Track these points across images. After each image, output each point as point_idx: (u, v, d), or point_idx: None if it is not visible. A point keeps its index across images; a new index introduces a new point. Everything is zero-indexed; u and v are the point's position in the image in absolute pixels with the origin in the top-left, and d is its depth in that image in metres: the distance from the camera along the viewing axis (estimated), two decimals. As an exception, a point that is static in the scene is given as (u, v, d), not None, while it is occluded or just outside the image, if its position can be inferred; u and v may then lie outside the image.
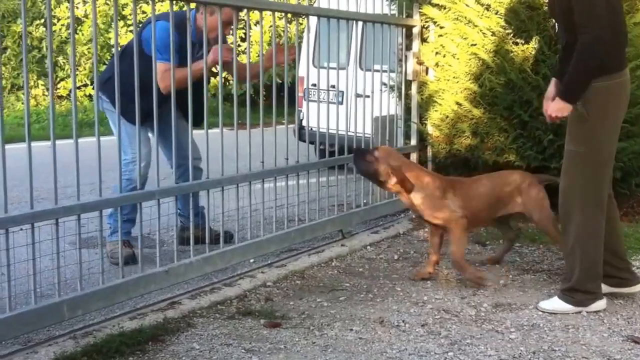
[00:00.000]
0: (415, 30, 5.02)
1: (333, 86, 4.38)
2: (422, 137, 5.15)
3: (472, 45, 4.78)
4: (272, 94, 3.83)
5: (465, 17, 4.79)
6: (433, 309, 3.31)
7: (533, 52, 4.64)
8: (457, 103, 4.85)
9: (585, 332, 3.03)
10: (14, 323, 2.62)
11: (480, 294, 3.54)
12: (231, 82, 13.02)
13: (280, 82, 4.18)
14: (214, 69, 4.09)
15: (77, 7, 14.07)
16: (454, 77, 4.87)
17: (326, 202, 4.48)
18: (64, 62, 14.27)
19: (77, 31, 13.92)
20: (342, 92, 4.66)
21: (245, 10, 3.74)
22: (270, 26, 4.16)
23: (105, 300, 2.98)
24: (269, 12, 4.00)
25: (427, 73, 5.08)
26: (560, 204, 3.25)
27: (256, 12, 3.85)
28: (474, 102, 4.80)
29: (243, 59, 11.60)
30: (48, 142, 2.80)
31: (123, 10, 13.49)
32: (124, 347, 2.76)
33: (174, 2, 3.34)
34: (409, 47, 5.04)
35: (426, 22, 5.01)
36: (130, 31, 11.73)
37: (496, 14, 4.72)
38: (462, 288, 3.62)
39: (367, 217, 4.75)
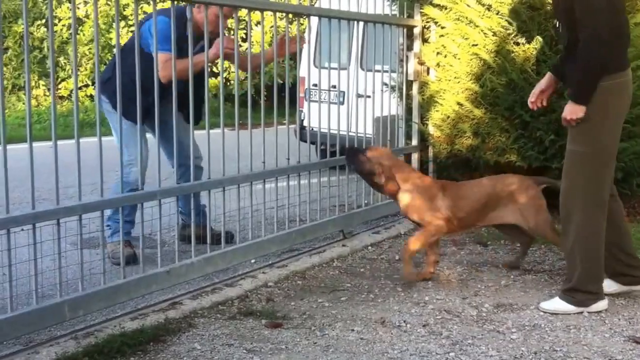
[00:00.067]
0: (417, 31, 5.02)
1: (334, 86, 4.38)
2: (423, 138, 5.15)
3: (473, 45, 4.79)
4: (273, 95, 3.83)
5: (467, 18, 4.79)
6: (434, 309, 3.31)
7: (534, 53, 4.64)
8: (458, 103, 4.85)
9: (587, 333, 3.03)
10: (16, 323, 2.62)
11: (482, 294, 3.53)
12: (232, 82, 13.01)
13: (282, 82, 4.18)
14: (215, 69, 4.08)
15: (78, 8, 14.08)
16: (455, 78, 4.87)
17: (327, 202, 4.48)
18: (65, 63, 14.28)
19: (78, 31, 13.92)
20: (343, 92, 4.66)
21: (246, 11, 3.75)
22: (272, 26, 4.16)
23: (107, 300, 2.98)
24: (270, 13, 3.99)
25: (428, 73, 5.08)
26: (561, 204, 3.25)
27: (257, 12, 3.85)
28: (475, 103, 4.80)
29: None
30: (49, 143, 2.80)
31: (124, 10, 13.50)
32: (126, 348, 2.76)
33: (175, 1, 3.34)
34: (410, 48, 5.04)
35: (427, 22, 5.01)
36: (132, 31, 11.73)
37: (497, 14, 4.72)
38: (464, 288, 3.62)
39: (368, 217, 4.75)
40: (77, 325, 3.03)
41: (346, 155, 3.81)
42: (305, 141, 4.63)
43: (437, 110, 4.96)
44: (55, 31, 13.79)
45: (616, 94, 3.09)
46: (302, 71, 6.78)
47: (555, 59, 4.61)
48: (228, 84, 13.25)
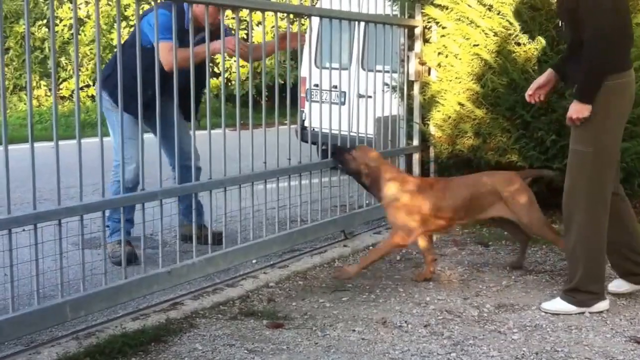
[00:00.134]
0: (418, 31, 5.02)
1: (335, 87, 4.38)
2: (425, 138, 5.15)
3: (474, 45, 4.78)
4: (274, 95, 3.83)
5: (468, 18, 4.79)
6: (435, 309, 3.31)
7: (535, 53, 4.64)
8: (460, 103, 4.85)
9: (588, 333, 3.03)
10: (17, 324, 2.62)
11: (483, 294, 3.53)
12: (234, 82, 13.01)
13: (283, 82, 4.18)
14: (216, 70, 4.09)
15: (79, 8, 14.09)
16: (456, 78, 4.87)
17: (328, 202, 4.48)
18: (66, 63, 14.29)
19: (80, 32, 13.93)
20: (345, 92, 4.66)
21: (247, 11, 3.75)
22: (273, 27, 4.15)
23: (108, 301, 2.98)
24: (270, 13, 3.99)
25: (429, 73, 5.08)
26: (563, 203, 3.25)
27: (258, 12, 3.85)
28: (476, 103, 4.79)
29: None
30: (50, 143, 2.81)
31: (125, 10, 13.50)
32: (127, 348, 2.76)
33: (175, 1, 3.34)
34: (411, 48, 5.04)
35: (428, 22, 5.01)
36: (132, 32, 11.74)
37: (498, 14, 4.71)
38: (465, 289, 3.61)
39: (370, 217, 4.74)
40: (79, 325, 3.03)
41: (334, 154, 3.80)
42: (307, 141, 4.62)
43: (438, 111, 4.96)
44: (57, 31, 13.80)
45: (619, 94, 3.09)
46: (304, 71, 6.78)
47: (557, 59, 4.61)
48: (229, 84, 13.25)
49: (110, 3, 13.90)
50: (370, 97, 4.69)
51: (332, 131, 4.35)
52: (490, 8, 4.73)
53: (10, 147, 2.65)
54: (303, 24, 4.07)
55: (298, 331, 3.03)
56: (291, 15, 4.10)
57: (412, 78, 5.04)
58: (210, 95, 3.61)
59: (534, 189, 4.86)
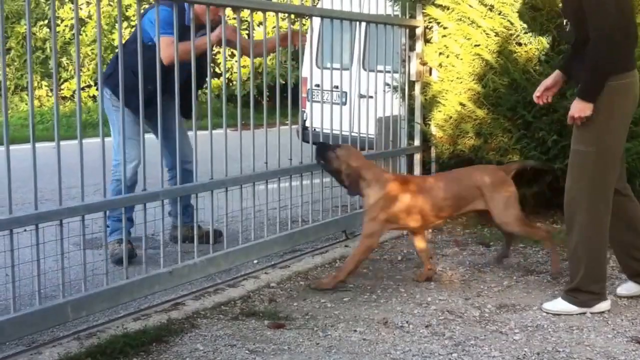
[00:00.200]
0: (419, 31, 5.02)
1: (336, 87, 4.38)
2: (426, 138, 5.15)
3: (475, 45, 4.78)
4: (275, 95, 3.83)
5: (469, 18, 4.79)
6: (437, 309, 3.31)
7: (536, 53, 4.64)
8: (461, 104, 4.85)
9: (590, 333, 3.02)
10: (19, 324, 2.62)
11: (485, 294, 3.53)
12: (235, 83, 13.02)
13: (284, 82, 4.18)
14: (217, 70, 4.08)
15: (80, 8, 14.10)
16: (457, 78, 4.87)
17: (329, 203, 4.48)
18: (67, 63, 14.30)
19: (81, 32, 13.94)
20: (346, 92, 4.66)
21: (248, 11, 3.75)
22: (274, 27, 4.15)
23: (109, 301, 2.99)
24: (272, 13, 4.00)
25: (430, 74, 5.08)
26: (565, 203, 3.24)
27: (259, 12, 3.85)
28: (477, 103, 4.79)
29: (246, 59, 11.56)
30: (51, 143, 2.81)
31: (126, 11, 13.51)
32: (128, 348, 2.76)
33: (176, 1, 3.35)
34: (412, 48, 5.04)
35: (429, 22, 5.01)
36: (134, 31, 11.75)
37: (499, 14, 4.71)
38: (466, 289, 3.61)
39: (371, 217, 4.74)
40: (80, 325, 3.03)
41: (316, 150, 3.79)
42: (308, 142, 4.62)
43: (439, 111, 4.96)
44: (58, 32, 13.81)
45: (622, 94, 3.09)
46: (305, 72, 6.78)
47: (559, 59, 4.61)
48: (231, 84, 13.25)
49: (111, 3, 13.90)
50: (371, 97, 4.69)
51: (333, 131, 4.35)
52: (491, 8, 4.73)
53: (12, 147, 2.65)
54: (304, 24, 4.07)
55: (299, 331, 3.03)
56: (292, 16, 4.11)
57: (413, 78, 5.04)
58: (211, 95, 3.61)
59: (534, 188, 4.89)
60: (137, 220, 3.68)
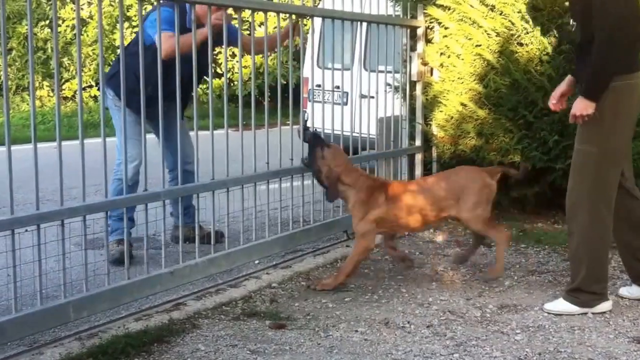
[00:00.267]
0: (420, 31, 5.02)
1: (338, 87, 4.38)
2: (427, 138, 5.15)
3: (476, 45, 4.78)
4: (277, 95, 3.83)
5: (470, 18, 4.79)
6: (438, 310, 3.31)
7: (538, 53, 4.63)
8: (462, 104, 4.85)
9: (591, 334, 3.02)
10: (20, 324, 2.63)
11: (486, 295, 3.53)
12: (236, 83, 13.02)
13: (285, 83, 4.18)
14: (219, 70, 4.08)
15: (81, 9, 14.11)
16: (458, 78, 4.87)
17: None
18: (68, 64, 14.30)
19: (82, 32, 13.95)
20: (347, 93, 4.66)
21: (249, 12, 3.75)
22: (275, 27, 4.15)
23: (111, 301, 2.99)
24: (273, 14, 3.99)
25: (431, 74, 5.07)
26: (567, 203, 3.23)
27: (260, 13, 3.85)
28: (478, 103, 4.79)
29: (247, 59, 11.55)
30: (52, 143, 2.81)
31: (128, 11, 13.51)
32: (130, 348, 2.76)
33: (178, 2, 3.35)
34: (413, 48, 5.04)
35: (431, 22, 5.01)
36: (135, 32, 11.76)
37: (500, 14, 4.71)
38: (467, 289, 3.61)
39: (372, 218, 4.73)
40: (81, 326, 3.03)
41: (308, 139, 3.75)
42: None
43: (440, 111, 4.96)
44: (59, 32, 13.81)
45: (627, 95, 3.08)
46: (306, 72, 6.78)
47: (559, 61, 4.61)
48: (232, 84, 13.25)
49: (112, 4, 13.91)
50: (372, 97, 4.69)
51: (335, 132, 4.35)
52: (492, 8, 4.73)
53: (13, 147, 2.65)
54: (305, 25, 4.07)
55: (301, 332, 3.03)
56: (294, 16, 4.10)
57: (414, 78, 5.04)
58: (212, 95, 3.61)
59: (535, 188, 4.89)
60: (138, 221, 3.68)
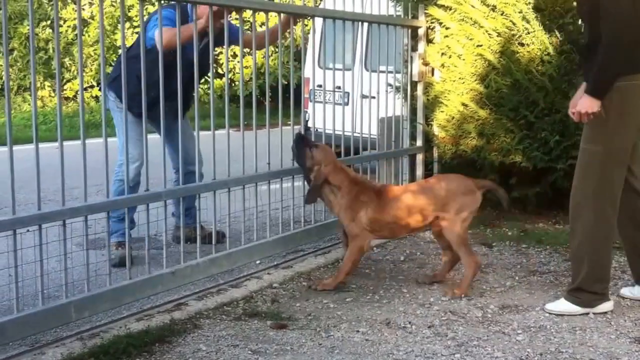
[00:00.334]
0: (421, 31, 5.02)
1: (339, 87, 4.38)
2: (428, 138, 5.15)
3: (477, 46, 4.78)
4: (278, 96, 3.84)
5: (471, 18, 4.79)
6: (439, 310, 3.31)
7: (539, 53, 4.63)
8: (463, 104, 4.85)
9: (593, 334, 3.02)
10: (22, 324, 2.63)
11: (487, 295, 3.53)
12: (237, 83, 13.01)
13: (286, 83, 4.18)
14: (220, 70, 4.09)
15: (83, 9, 14.12)
16: (459, 78, 4.87)
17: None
18: (70, 64, 14.32)
19: (83, 33, 13.95)
20: (348, 93, 4.66)
21: (250, 12, 3.75)
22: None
23: (112, 301, 2.99)
24: (274, 14, 3.99)
25: (432, 74, 5.08)
26: (571, 201, 3.23)
27: (262, 13, 3.85)
28: (480, 103, 4.79)
29: (249, 60, 11.57)
30: (54, 144, 2.81)
31: (129, 11, 13.53)
32: (131, 349, 2.76)
33: (179, 2, 3.35)
34: (414, 48, 5.04)
35: (432, 23, 5.01)
36: (137, 32, 11.77)
37: (502, 14, 4.71)
38: (469, 290, 3.61)
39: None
40: (83, 326, 3.03)
41: (295, 141, 3.75)
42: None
43: (441, 111, 4.96)
44: (61, 32, 13.83)
45: (632, 95, 3.08)
46: (307, 72, 6.79)
47: (560, 61, 4.61)
48: (233, 84, 13.26)
49: (114, 4, 13.92)
50: (373, 97, 4.69)
51: (336, 132, 4.35)
52: (493, 8, 4.73)
53: (15, 147, 2.65)
54: (307, 25, 4.07)
55: (302, 332, 3.03)
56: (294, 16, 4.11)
57: (415, 79, 5.04)
58: (214, 95, 3.61)
59: (537, 189, 4.89)
60: (140, 221, 3.68)
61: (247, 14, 3.79)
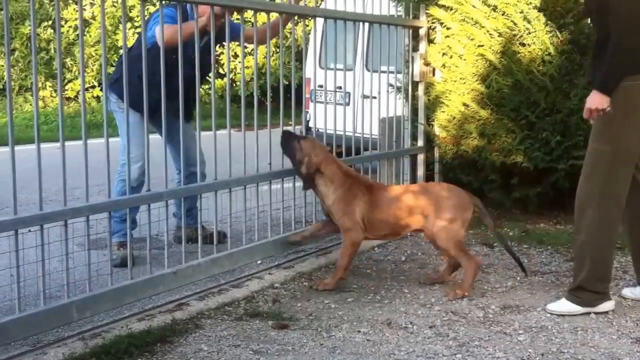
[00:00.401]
0: (422, 32, 5.02)
1: (340, 87, 4.38)
2: (429, 138, 5.15)
3: (479, 46, 4.78)
4: (279, 96, 3.84)
5: (472, 18, 4.79)
6: (441, 310, 3.31)
7: (540, 53, 4.63)
8: (464, 104, 4.85)
9: (594, 334, 3.02)
10: (24, 324, 2.63)
11: (488, 295, 3.53)
12: (238, 83, 13.01)
13: (287, 83, 4.18)
14: (221, 71, 4.09)
15: (84, 9, 14.12)
16: (460, 78, 4.87)
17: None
18: (71, 64, 14.33)
19: (85, 33, 13.96)
20: (349, 93, 4.66)
21: (252, 12, 3.75)
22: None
23: (114, 301, 2.99)
24: (275, 14, 3.99)
25: (434, 74, 5.08)
26: (576, 200, 3.22)
27: (263, 13, 3.85)
28: (481, 103, 4.79)
29: (250, 60, 11.55)
30: (55, 144, 2.82)
31: (130, 12, 13.54)
32: (133, 349, 2.77)
33: (181, 2, 3.36)
34: (415, 48, 5.04)
35: (433, 23, 5.01)
36: (138, 32, 11.78)
37: (503, 14, 4.71)
38: (471, 290, 3.60)
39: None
40: (85, 326, 3.04)
41: (281, 137, 3.76)
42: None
43: (442, 111, 4.96)
44: (62, 33, 13.83)
45: (638, 95, 3.07)
46: (308, 72, 6.79)
47: (561, 61, 4.61)
48: (234, 85, 13.27)
49: (115, 4, 13.93)
50: (374, 97, 4.69)
51: (337, 132, 4.35)
52: (494, 8, 4.73)
53: (16, 148, 2.66)
54: (308, 25, 4.07)
55: (303, 332, 3.03)
56: (296, 17, 4.11)
57: (416, 79, 5.04)
58: (215, 96, 3.61)
59: (538, 189, 4.89)
60: (141, 221, 3.69)
61: (249, 14, 3.79)
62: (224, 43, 3.75)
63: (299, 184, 4.09)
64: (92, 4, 14.26)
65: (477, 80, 4.80)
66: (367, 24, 4.63)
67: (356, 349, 2.86)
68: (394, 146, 4.87)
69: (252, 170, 3.75)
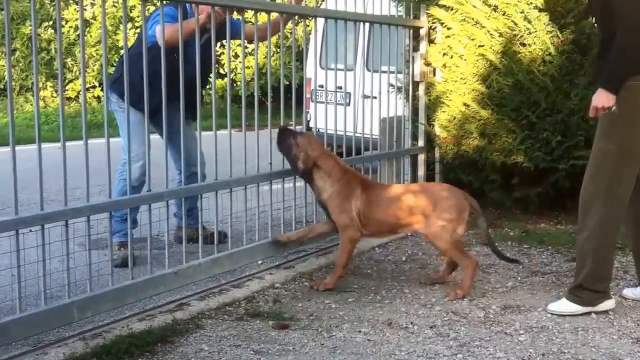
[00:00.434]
0: (423, 32, 5.02)
1: (340, 87, 4.38)
2: (430, 139, 5.15)
3: (479, 46, 4.78)
4: (280, 96, 3.84)
5: (473, 18, 4.79)
6: (441, 310, 3.31)
7: (540, 53, 4.63)
8: (465, 104, 4.85)
9: (595, 334, 3.02)
10: (24, 324, 2.64)
11: (489, 295, 3.53)
12: (239, 83, 13.01)
13: (288, 83, 4.19)
14: (222, 71, 4.09)
15: (85, 9, 14.11)
16: (461, 78, 4.87)
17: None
18: (72, 64, 14.33)
19: (86, 33, 13.96)
20: (349, 93, 4.66)
21: (253, 12, 3.75)
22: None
23: (115, 301, 3.00)
24: (276, 14, 3.99)
25: (434, 74, 5.08)
26: (580, 198, 3.22)
27: (264, 13, 3.86)
28: (481, 103, 4.79)
29: (250, 60, 11.55)
30: (56, 144, 2.82)
31: (131, 12, 13.54)
32: (133, 349, 2.77)
33: (180, 3, 3.36)
34: (416, 48, 5.04)
35: (433, 23, 5.01)
36: (138, 33, 11.80)
37: (503, 15, 4.71)
38: (471, 290, 3.61)
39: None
40: (85, 326, 3.04)
41: (278, 134, 3.74)
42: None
43: (443, 111, 4.96)
44: (63, 33, 13.84)
45: None
46: (309, 72, 6.79)
47: (561, 61, 4.61)
48: (235, 85, 13.27)
49: (116, 4, 13.93)
50: (375, 98, 4.69)
51: (337, 132, 4.35)
52: (495, 9, 4.73)
53: (17, 148, 2.66)
54: (308, 25, 4.08)
55: (304, 332, 3.03)
56: (296, 17, 4.11)
57: (417, 79, 5.04)
58: (215, 96, 3.61)
59: (538, 189, 4.89)
60: (142, 221, 3.69)
61: (249, 14, 3.79)
62: (224, 42, 3.74)
63: (300, 184, 4.10)
64: (92, 4, 14.26)
65: (477, 81, 4.80)
66: (367, 24, 4.64)
67: (357, 349, 2.86)
68: (394, 146, 4.87)
69: (252, 171, 3.75)
